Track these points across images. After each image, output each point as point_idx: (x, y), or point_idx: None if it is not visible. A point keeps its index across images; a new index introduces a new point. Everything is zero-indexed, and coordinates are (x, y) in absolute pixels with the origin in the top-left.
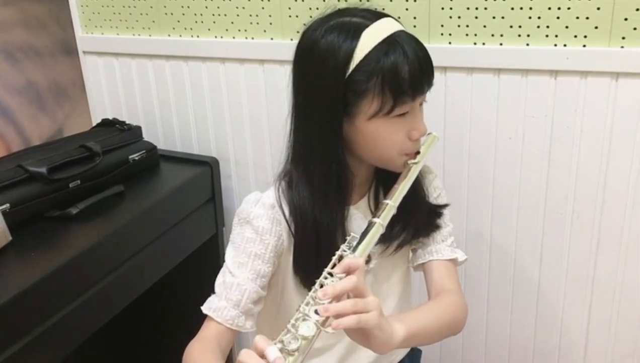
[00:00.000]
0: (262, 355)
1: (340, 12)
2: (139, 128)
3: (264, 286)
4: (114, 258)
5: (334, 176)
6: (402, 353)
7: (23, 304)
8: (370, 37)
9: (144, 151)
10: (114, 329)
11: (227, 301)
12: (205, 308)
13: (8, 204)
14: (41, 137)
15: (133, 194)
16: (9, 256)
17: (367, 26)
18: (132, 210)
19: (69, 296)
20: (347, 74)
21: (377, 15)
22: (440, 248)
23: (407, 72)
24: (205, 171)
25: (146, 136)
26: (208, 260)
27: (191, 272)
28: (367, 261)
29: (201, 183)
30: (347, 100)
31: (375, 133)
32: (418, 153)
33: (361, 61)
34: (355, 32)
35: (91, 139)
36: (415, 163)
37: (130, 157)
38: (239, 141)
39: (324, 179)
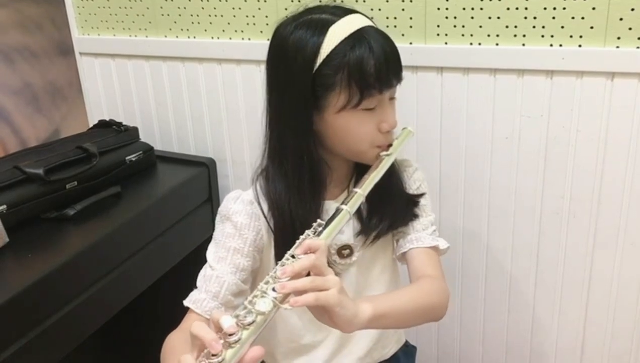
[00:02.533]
0: (219, 327)
1: (310, 10)
2: (135, 129)
3: (244, 280)
4: (111, 259)
5: (307, 169)
6: (395, 347)
7: (20, 306)
8: (337, 32)
9: (140, 152)
10: (112, 330)
11: (206, 293)
12: (186, 301)
13: (5, 206)
14: (38, 138)
15: (130, 196)
16: (6, 258)
17: (334, 22)
18: (129, 211)
19: (66, 297)
20: (315, 68)
21: (346, 11)
22: (421, 236)
23: (372, 66)
24: (202, 172)
25: (143, 137)
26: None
27: (189, 273)
28: (350, 255)
29: (198, 184)
30: (316, 94)
31: (345, 126)
32: (391, 145)
33: (328, 55)
34: (322, 28)
35: (88, 140)
36: (388, 155)
37: (127, 158)
38: (235, 141)
39: (298, 172)
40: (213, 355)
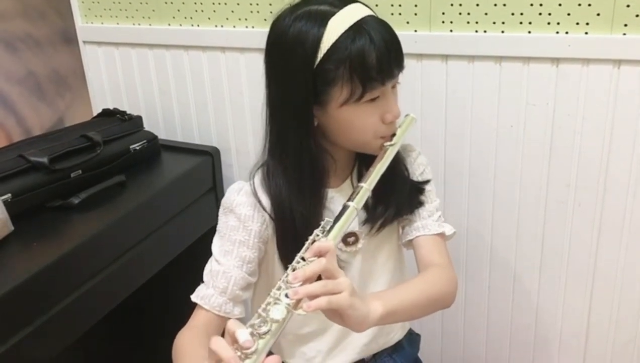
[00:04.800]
0: (235, 339)
1: (307, 1)
2: (139, 118)
3: (251, 273)
4: (115, 248)
5: (307, 164)
6: (400, 334)
7: (25, 294)
8: (337, 25)
9: (144, 141)
10: (116, 319)
11: (214, 289)
12: (194, 297)
13: (10, 194)
14: (42, 127)
15: (134, 184)
16: (11, 246)
17: (333, 14)
18: (133, 200)
19: (70, 286)
20: (316, 63)
21: (344, 1)
22: (427, 223)
23: (374, 58)
24: (206, 161)
25: (147, 126)
26: (210, 249)
27: (193, 262)
28: (355, 243)
29: (202, 173)
30: (317, 89)
31: (348, 119)
32: (395, 134)
33: (329, 50)
34: (322, 21)
35: (92, 129)
36: (392, 145)
37: (131, 147)
38: (239, 130)
39: (298, 167)
40: None
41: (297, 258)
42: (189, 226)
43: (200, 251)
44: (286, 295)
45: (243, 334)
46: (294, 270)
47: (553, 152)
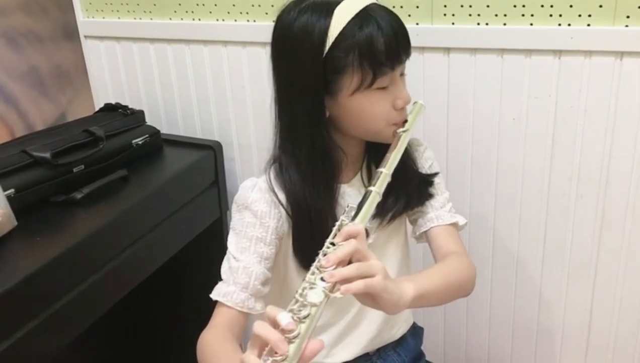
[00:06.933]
0: (275, 324)
1: None
2: (141, 112)
3: (269, 268)
4: (118, 242)
5: (320, 155)
6: (404, 328)
7: (29, 288)
8: (343, 13)
9: (147, 136)
10: (119, 313)
11: (235, 285)
12: (214, 295)
13: (13, 189)
14: (44, 122)
15: (137, 179)
16: (14, 241)
17: (338, 3)
18: (136, 194)
19: (74, 280)
20: (325, 52)
21: None
22: (440, 214)
23: (382, 43)
24: (208, 155)
25: (149, 121)
26: (212, 243)
27: (196, 256)
28: (366, 237)
29: (204, 167)
30: (327, 78)
31: (360, 107)
32: (406, 121)
33: (337, 38)
34: (327, 10)
35: (94, 124)
36: (405, 131)
37: (134, 141)
38: (241, 124)
39: (311, 159)
40: (276, 353)
41: (327, 243)
42: (191, 221)
43: (202, 245)
44: (322, 279)
45: (285, 317)
46: (325, 255)
47: (555, 144)
